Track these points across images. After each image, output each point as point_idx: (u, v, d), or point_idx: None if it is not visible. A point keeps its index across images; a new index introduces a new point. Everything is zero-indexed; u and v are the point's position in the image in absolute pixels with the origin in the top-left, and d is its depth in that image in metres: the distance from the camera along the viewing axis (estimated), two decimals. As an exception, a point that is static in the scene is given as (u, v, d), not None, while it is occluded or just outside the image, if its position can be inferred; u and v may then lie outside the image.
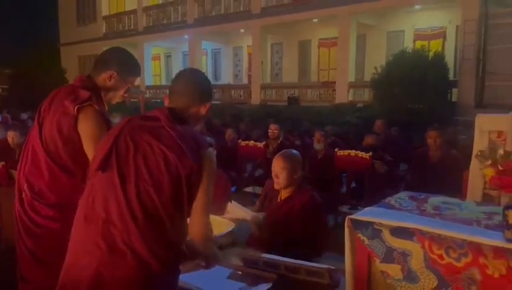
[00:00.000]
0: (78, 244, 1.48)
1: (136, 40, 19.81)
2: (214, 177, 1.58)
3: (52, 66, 20.44)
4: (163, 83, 21.90)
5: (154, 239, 1.44)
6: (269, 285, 1.89)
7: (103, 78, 2.02)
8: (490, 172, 1.44)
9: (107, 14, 22.14)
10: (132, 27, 20.70)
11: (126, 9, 21.34)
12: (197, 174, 1.49)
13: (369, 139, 5.82)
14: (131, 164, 1.47)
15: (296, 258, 2.02)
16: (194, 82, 1.70)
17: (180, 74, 1.75)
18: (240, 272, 2.03)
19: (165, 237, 1.46)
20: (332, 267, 1.89)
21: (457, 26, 12.29)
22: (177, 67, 22.14)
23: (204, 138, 1.67)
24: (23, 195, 1.92)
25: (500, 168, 1.41)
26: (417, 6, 13.05)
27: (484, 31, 10.19)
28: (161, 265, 1.45)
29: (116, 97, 2.09)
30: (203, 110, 1.69)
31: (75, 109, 1.86)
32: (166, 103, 1.69)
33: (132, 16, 20.82)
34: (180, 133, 1.52)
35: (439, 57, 10.74)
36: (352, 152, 5.09)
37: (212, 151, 1.60)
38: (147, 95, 18.06)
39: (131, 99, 12.16)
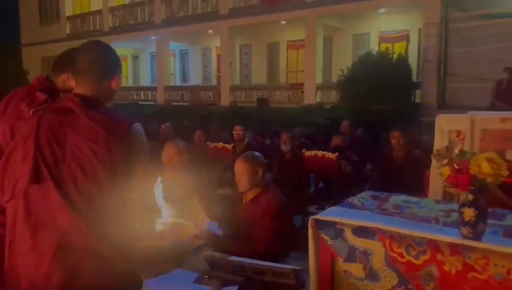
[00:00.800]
0: (26, 257, 1.42)
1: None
2: (145, 149, 1.54)
3: (13, 67, 19.66)
4: (130, 84, 21.49)
5: (110, 233, 1.42)
6: (235, 288, 1.89)
7: (62, 79, 1.97)
8: (447, 171, 1.47)
9: (71, 15, 21.60)
10: (97, 27, 20.25)
11: (91, 10, 20.87)
12: (131, 155, 1.47)
13: (336, 140, 5.91)
14: (65, 170, 1.41)
15: (262, 259, 2.02)
16: (97, 56, 1.56)
17: (79, 50, 1.59)
18: (207, 276, 2.02)
19: (119, 227, 1.45)
20: (298, 268, 1.90)
21: (419, 29, 12.69)
22: (144, 68, 21.78)
23: (124, 116, 1.59)
24: None
25: (456, 166, 1.45)
26: (382, 10, 13.39)
27: (445, 34, 10.55)
28: (123, 259, 1.44)
29: None
30: (114, 85, 1.59)
31: (31, 113, 1.80)
32: (72, 84, 1.58)
33: (98, 16, 20.39)
34: (100, 121, 1.46)
35: (403, 59, 11.05)
36: (320, 153, 5.16)
37: (138, 126, 1.53)
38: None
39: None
